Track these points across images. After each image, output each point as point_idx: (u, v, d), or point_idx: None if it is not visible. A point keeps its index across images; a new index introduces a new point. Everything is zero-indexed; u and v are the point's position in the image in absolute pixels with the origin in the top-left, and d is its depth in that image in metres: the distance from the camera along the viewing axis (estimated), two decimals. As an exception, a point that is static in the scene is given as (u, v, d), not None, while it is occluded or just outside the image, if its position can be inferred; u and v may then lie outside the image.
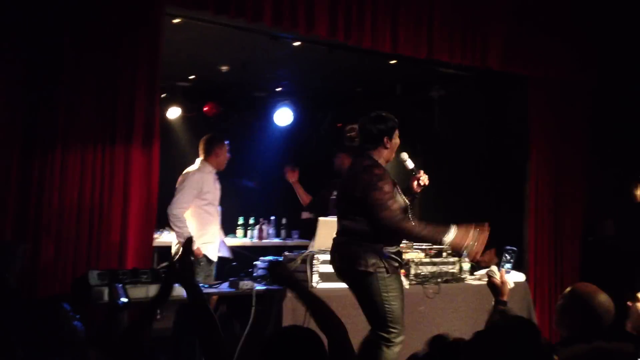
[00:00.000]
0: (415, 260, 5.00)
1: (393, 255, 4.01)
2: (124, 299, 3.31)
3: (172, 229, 5.37)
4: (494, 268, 3.51)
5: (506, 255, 3.90)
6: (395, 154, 4.29)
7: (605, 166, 6.56)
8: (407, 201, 4.10)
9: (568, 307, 3.04)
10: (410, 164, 4.32)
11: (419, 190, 4.23)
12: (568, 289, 3.16)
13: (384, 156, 4.15)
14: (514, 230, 6.53)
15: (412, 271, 4.97)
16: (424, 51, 5.54)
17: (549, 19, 6.26)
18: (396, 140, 4.21)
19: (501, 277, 3.41)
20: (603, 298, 2.98)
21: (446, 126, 7.65)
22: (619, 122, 6.56)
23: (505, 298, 3.35)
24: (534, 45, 6.14)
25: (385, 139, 4.15)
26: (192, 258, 5.29)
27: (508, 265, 3.84)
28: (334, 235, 4.19)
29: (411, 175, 4.27)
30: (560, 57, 6.32)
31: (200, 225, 5.45)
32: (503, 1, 6.00)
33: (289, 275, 2.95)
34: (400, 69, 6.76)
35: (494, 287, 3.42)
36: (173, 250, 5.45)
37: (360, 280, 3.95)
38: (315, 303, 2.70)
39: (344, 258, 4.04)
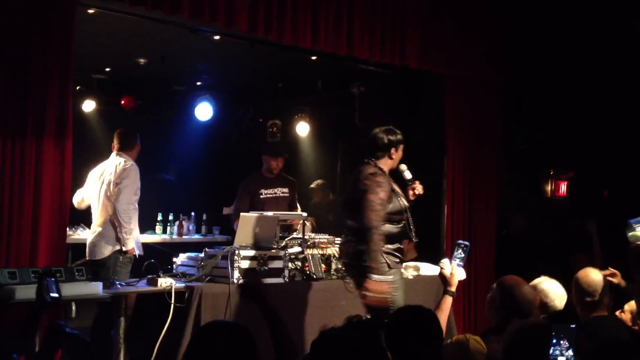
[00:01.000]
0: (336, 255, 5.03)
1: (394, 252, 4.30)
2: (55, 295, 3.19)
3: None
4: (445, 261, 3.88)
5: (458, 249, 4.09)
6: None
7: (517, 163, 6.81)
8: (405, 204, 4.46)
9: (495, 298, 3.32)
10: (408, 175, 4.67)
11: (413, 199, 4.59)
12: (496, 281, 3.44)
13: (388, 165, 4.52)
14: (433, 224, 6.70)
15: (333, 266, 5.01)
16: (344, 48, 5.58)
17: (464, 20, 6.43)
18: (400, 154, 4.60)
19: (451, 269, 3.84)
20: (526, 290, 3.26)
21: (366, 122, 7.75)
22: (529, 120, 6.82)
23: (452, 288, 3.71)
24: (450, 44, 6.30)
25: (392, 150, 4.55)
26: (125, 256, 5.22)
27: (458, 259, 4.01)
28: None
29: (407, 185, 4.62)
30: (474, 57, 6.51)
31: (134, 224, 5.37)
32: (421, 1, 6.13)
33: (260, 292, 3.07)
34: (321, 65, 6.80)
35: (443, 278, 3.84)
36: (94, 248, 5.28)
37: (365, 274, 4.16)
38: (278, 324, 2.84)
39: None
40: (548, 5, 6.41)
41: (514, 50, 6.66)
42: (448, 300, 3.80)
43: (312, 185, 8.05)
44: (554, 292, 3.69)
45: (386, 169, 4.48)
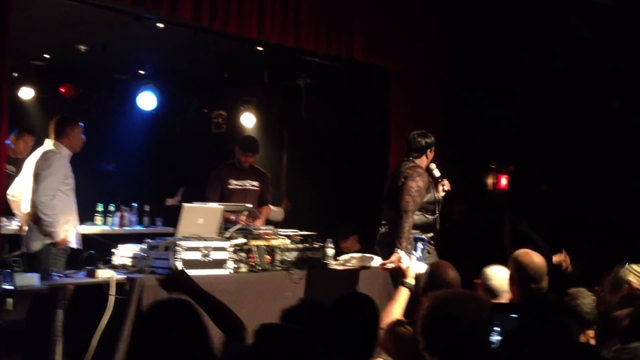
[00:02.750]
0: (281, 246, 5.03)
1: (430, 240, 4.96)
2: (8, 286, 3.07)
3: (40, 219, 5.01)
4: (402, 254, 4.10)
5: (416, 243, 4.20)
6: None
7: (459, 156, 6.91)
8: (440, 197, 5.13)
9: (425, 285, 3.51)
10: (437, 173, 5.22)
11: (443, 195, 5.19)
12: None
13: (424, 163, 5.15)
14: (377, 218, 6.75)
15: (278, 257, 4.99)
16: (290, 39, 5.56)
17: (410, 14, 6.50)
18: (433, 154, 5.21)
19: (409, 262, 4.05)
20: (452, 275, 3.45)
21: (313, 114, 7.76)
22: (471, 114, 6.94)
23: (408, 280, 3.85)
24: (395, 38, 6.35)
25: (428, 151, 5.17)
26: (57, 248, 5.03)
27: (417, 252, 4.13)
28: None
29: (437, 182, 5.19)
30: (419, 51, 6.58)
31: (63, 212, 5.14)
32: (367, -6, 6.17)
33: (185, 282, 2.93)
34: (268, 56, 6.76)
35: (400, 270, 4.02)
36: (26, 239, 5.11)
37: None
38: (214, 307, 2.72)
39: (383, 242, 5.00)
40: (490, 2, 6.52)
41: (457, 45, 6.76)
42: (403, 291, 3.84)
43: None
44: (501, 276, 3.79)
45: (423, 166, 5.10)
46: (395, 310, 3.65)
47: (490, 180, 7.64)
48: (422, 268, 4.15)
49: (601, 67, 6.29)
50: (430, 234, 5.05)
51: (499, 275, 3.84)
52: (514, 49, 6.63)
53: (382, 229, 5.13)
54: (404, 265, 4.01)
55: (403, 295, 3.81)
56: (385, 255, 4.84)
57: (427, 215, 5.01)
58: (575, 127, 6.53)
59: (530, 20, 6.39)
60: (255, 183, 6.18)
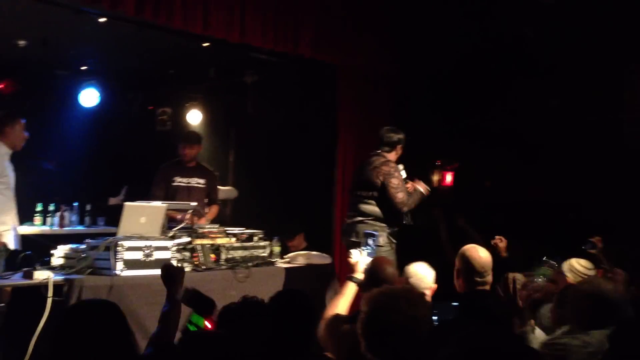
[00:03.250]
0: (226, 245, 4.97)
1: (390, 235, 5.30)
2: None
3: None
4: (353, 251, 4.11)
5: (367, 239, 4.24)
6: None
7: (405, 153, 6.96)
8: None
9: (364, 279, 3.67)
10: (404, 174, 5.42)
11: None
12: None
13: (393, 159, 5.44)
14: (324, 214, 6.76)
15: (223, 256, 4.94)
16: (236, 35, 5.50)
17: (357, 11, 6.52)
18: (400, 151, 5.50)
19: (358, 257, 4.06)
20: (389, 271, 3.54)
21: (260, 111, 7.70)
22: (418, 111, 7.00)
23: (356, 275, 3.88)
24: (342, 35, 6.36)
25: (398, 147, 5.49)
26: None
27: (367, 248, 4.15)
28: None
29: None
30: (366, 48, 6.61)
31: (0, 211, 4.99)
32: (314, -10, 6.15)
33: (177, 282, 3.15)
34: (214, 52, 6.67)
35: (350, 265, 4.07)
36: None
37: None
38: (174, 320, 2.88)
39: (360, 234, 5.05)
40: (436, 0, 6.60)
41: (404, 42, 6.82)
42: (350, 286, 3.86)
43: None
44: (420, 273, 3.92)
45: (393, 160, 5.39)
46: (341, 304, 3.67)
47: (435, 177, 7.72)
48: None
49: (543, 65, 6.44)
50: (396, 228, 5.35)
51: (418, 272, 3.92)
52: (459, 46, 6.72)
53: (349, 220, 5.41)
54: (352, 260, 4.03)
55: (350, 290, 3.83)
56: (350, 245, 5.10)
57: (394, 210, 5.29)
58: (518, 124, 6.66)
59: (474, 18, 6.49)
60: (202, 181, 6.10)
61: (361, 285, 3.70)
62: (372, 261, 3.77)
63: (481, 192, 6.98)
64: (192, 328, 2.64)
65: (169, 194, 5.85)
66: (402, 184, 5.33)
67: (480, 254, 3.78)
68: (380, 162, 5.36)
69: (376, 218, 5.32)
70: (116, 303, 3.87)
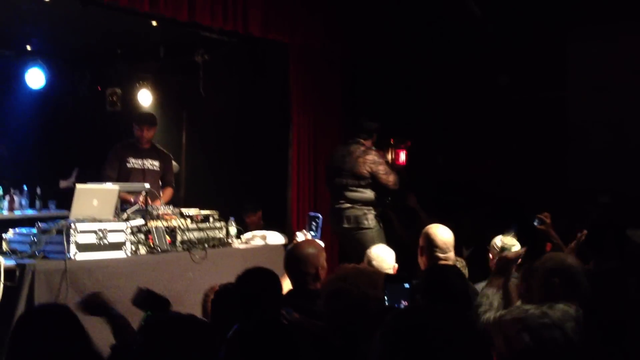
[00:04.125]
0: (182, 226, 4.93)
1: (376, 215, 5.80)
2: None
3: None
4: (299, 233, 4.23)
5: (310, 221, 4.28)
6: None
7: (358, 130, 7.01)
8: None
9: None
10: None
11: None
12: None
13: (369, 145, 5.88)
14: (279, 194, 6.76)
15: (179, 238, 4.90)
16: (184, 13, 5.42)
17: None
18: (375, 137, 5.99)
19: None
20: (308, 251, 3.55)
21: (212, 91, 7.62)
22: (369, 90, 7.03)
23: None
24: (292, 13, 6.33)
25: (374, 135, 5.95)
26: None
27: (312, 230, 4.19)
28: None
29: None
30: (316, 27, 6.60)
31: None
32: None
33: (101, 304, 3.07)
34: (164, 31, 6.56)
35: None
36: None
37: (362, 235, 5.69)
38: (122, 325, 2.88)
39: (351, 218, 5.77)
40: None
41: (353, 21, 6.83)
42: None
43: None
44: (381, 255, 4.09)
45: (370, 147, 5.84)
46: (286, 284, 3.70)
47: (389, 156, 7.79)
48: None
49: (491, 44, 6.53)
50: (380, 209, 5.85)
51: (379, 255, 4.02)
52: (410, 24, 6.76)
53: (336, 206, 5.85)
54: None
55: None
56: (348, 232, 5.77)
57: (375, 192, 5.79)
58: (468, 102, 6.76)
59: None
60: (156, 163, 6.01)
61: (284, 263, 3.73)
62: (293, 244, 3.88)
63: (434, 170, 7.08)
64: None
65: (122, 175, 5.76)
66: (387, 167, 5.83)
67: (442, 232, 3.90)
68: (362, 150, 5.79)
69: (363, 203, 5.79)
70: (71, 291, 3.91)
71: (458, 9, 6.52)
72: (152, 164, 5.98)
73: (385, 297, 2.22)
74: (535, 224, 4.67)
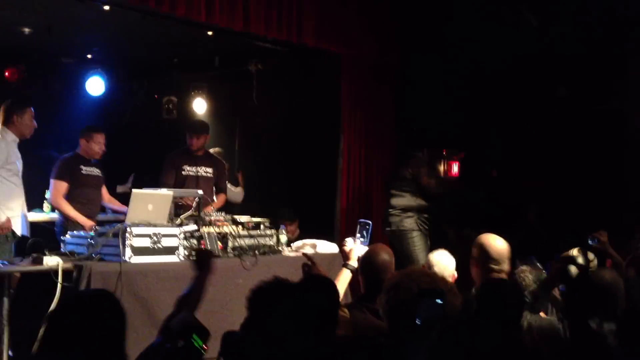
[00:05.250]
0: (233, 233, 4.99)
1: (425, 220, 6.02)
2: None
3: None
4: (348, 239, 4.19)
5: (360, 228, 4.30)
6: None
7: (411, 143, 6.98)
8: None
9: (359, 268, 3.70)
10: None
11: None
12: None
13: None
14: (328, 203, 6.78)
15: (230, 244, 4.95)
16: (240, 23, 5.51)
17: (359, 0, 6.52)
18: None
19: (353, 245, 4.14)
20: (383, 257, 3.57)
21: (264, 100, 7.71)
22: (422, 101, 7.00)
23: (350, 262, 3.96)
24: (346, 24, 6.36)
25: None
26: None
27: (361, 237, 4.22)
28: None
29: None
30: (369, 37, 6.61)
31: (5, 198, 5.00)
32: (317, -22, 6.15)
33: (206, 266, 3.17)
34: (218, 41, 6.68)
35: (343, 252, 4.14)
36: None
37: (400, 239, 5.93)
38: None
39: (392, 223, 6.03)
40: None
41: (407, 32, 6.81)
42: (345, 272, 3.94)
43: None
44: (443, 262, 3.98)
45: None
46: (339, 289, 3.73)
47: (442, 168, 7.72)
48: (330, 249, 4.34)
49: (549, 55, 6.42)
50: (425, 215, 6.04)
51: (440, 261, 3.98)
52: (464, 35, 6.71)
53: (388, 210, 6.08)
54: (347, 248, 4.10)
55: (345, 277, 3.92)
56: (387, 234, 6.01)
57: (417, 197, 6.00)
58: (524, 114, 6.66)
59: (480, 7, 6.47)
60: (209, 170, 6.11)
61: (359, 269, 3.75)
62: (369, 249, 3.83)
63: (488, 182, 6.99)
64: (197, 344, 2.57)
65: (178, 182, 5.89)
66: (431, 171, 6.15)
67: (497, 241, 3.81)
68: (408, 156, 6.17)
69: (403, 208, 6.00)
70: (125, 293, 3.99)
71: (514, 19, 6.44)
72: (206, 171, 6.09)
73: (417, 312, 2.18)
74: (591, 243, 4.58)
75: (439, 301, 2.18)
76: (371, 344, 2.03)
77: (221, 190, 6.21)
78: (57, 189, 5.60)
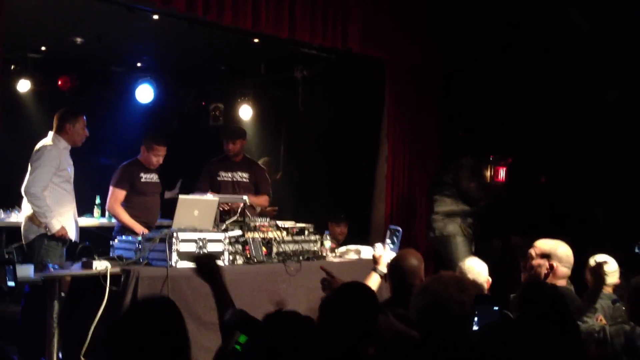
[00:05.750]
0: (277, 238, 5.02)
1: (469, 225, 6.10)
2: (11, 283, 3.06)
3: (32, 209, 5.00)
4: (378, 245, 4.31)
5: (390, 233, 4.32)
6: None
7: (457, 148, 6.91)
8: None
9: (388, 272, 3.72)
10: None
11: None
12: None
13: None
14: (376, 209, 6.76)
15: (274, 249, 4.99)
16: (285, 30, 5.55)
17: (405, 5, 6.49)
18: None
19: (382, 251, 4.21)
20: (412, 262, 3.54)
21: (310, 106, 7.74)
22: (469, 107, 6.93)
23: (380, 267, 3.99)
24: (391, 29, 6.35)
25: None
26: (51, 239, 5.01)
27: (391, 242, 4.24)
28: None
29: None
30: (415, 43, 6.58)
31: (57, 203, 5.13)
32: (362, -15, 6.15)
33: (212, 269, 3.06)
34: (264, 48, 6.74)
35: (373, 257, 4.15)
36: (23, 231, 5.11)
37: (443, 244, 6.03)
38: (225, 304, 2.87)
39: (434, 229, 6.11)
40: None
41: (454, 37, 6.75)
42: (373, 276, 3.98)
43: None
44: (476, 268, 3.98)
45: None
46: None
47: (488, 173, 7.62)
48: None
49: (599, 59, 6.28)
50: (470, 220, 6.11)
51: (474, 268, 3.93)
52: (512, 40, 6.61)
53: (431, 215, 6.17)
54: (377, 254, 4.15)
55: (373, 280, 3.95)
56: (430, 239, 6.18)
57: (460, 202, 6.08)
58: (573, 119, 6.52)
59: (527, 11, 6.37)
60: (245, 175, 6.13)
61: (384, 276, 3.80)
62: (398, 253, 3.85)
63: (535, 189, 6.87)
64: (238, 348, 2.58)
65: (214, 188, 5.91)
66: (471, 175, 6.15)
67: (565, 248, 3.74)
68: (450, 161, 6.25)
69: (445, 213, 6.07)
70: (171, 297, 4.05)
71: (564, 23, 6.32)
72: (242, 176, 6.11)
73: (475, 320, 2.17)
74: (637, 250, 4.47)
75: (495, 308, 2.17)
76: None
77: (264, 192, 6.18)
78: (114, 196, 5.71)
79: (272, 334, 2.03)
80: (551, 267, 3.57)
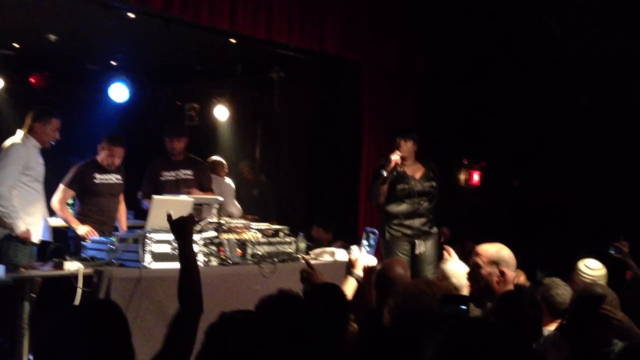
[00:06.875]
0: (252, 240, 5.00)
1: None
2: None
3: None
4: (354, 247, 4.16)
5: (366, 236, 4.26)
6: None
7: (431, 152, 6.95)
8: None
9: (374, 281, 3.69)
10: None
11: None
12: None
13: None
14: (351, 212, 6.76)
15: (249, 251, 4.96)
16: (262, 31, 5.54)
17: (382, 8, 6.51)
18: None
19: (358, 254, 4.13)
20: (398, 272, 3.55)
21: (286, 107, 7.73)
22: (443, 110, 6.98)
23: (356, 271, 3.95)
24: (368, 32, 6.37)
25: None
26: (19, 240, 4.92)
27: (367, 245, 4.19)
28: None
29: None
30: (391, 46, 6.60)
31: (25, 203, 5.04)
32: (339, -13, 6.16)
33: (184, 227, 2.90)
34: (241, 49, 6.71)
35: (350, 261, 4.10)
36: None
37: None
38: (190, 272, 2.75)
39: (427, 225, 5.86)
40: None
41: (428, 40, 6.80)
42: (350, 281, 3.93)
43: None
44: (460, 272, 3.87)
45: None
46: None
47: (462, 177, 7.67)
48: (372, 261, 4.28)
49: (572, 64, 6.36)
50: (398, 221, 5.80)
51: (457, 271, 3.90)
52: (487, 45, 6.67)
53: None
54: (353, 257, 4.08)
55: (350, 285, 3.90)
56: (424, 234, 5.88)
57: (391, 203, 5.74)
58: (547, 123, 6.60)
59: (503, 16, 6.43)
60: (189, 172, 6.03)
61: (374, 282, 3.73)
62: (384, 263, 3.84)
63: (509, 192, 6.93)
64: None
65: (158, 189, 5.75)
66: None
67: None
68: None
69: (384, 215, 5.80)
70: (144, 299, 4.01)
71: (537, 28, 6.39)
72: (186, 174, 6.02)
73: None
74: (612, 252, 4.51)
75: (463, 307, 2.18)
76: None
77: (207, 190, 6.08)
78: (61, 194, 5.58)
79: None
80: (502, 273, 3.25)
